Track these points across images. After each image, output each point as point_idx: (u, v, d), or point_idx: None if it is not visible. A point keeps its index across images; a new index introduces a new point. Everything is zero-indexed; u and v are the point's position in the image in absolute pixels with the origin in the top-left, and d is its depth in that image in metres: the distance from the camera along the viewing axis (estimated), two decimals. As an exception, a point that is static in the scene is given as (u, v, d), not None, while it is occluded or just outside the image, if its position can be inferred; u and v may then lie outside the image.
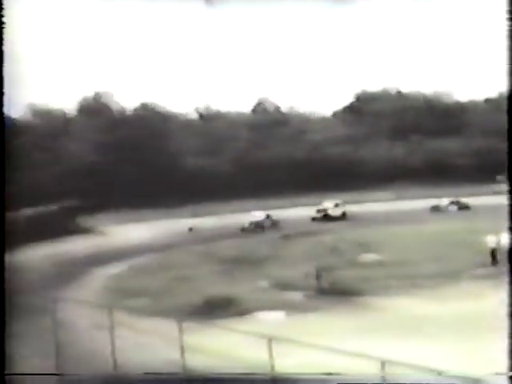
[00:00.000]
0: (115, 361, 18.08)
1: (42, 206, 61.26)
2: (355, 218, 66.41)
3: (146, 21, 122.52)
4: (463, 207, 68.21)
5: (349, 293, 33.57)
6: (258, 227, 63.13)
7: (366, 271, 39.12)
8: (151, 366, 21.16)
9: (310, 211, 68.86)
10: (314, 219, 67.99)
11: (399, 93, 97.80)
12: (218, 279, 39.09)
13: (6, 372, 17.57)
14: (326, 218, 67.96)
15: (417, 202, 69.88)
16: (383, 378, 12.95)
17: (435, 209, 68.84)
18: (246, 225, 63.53)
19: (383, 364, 12.89)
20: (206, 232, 60.60)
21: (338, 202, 70.15)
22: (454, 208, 68.61)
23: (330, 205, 69.98)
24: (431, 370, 12.36)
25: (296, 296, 34.09)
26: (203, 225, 64.15)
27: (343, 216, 68.82)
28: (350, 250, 46.74)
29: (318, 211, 69.34)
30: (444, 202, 69.91)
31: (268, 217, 65.32)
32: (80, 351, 23.52)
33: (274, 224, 64.34)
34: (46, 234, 55.11)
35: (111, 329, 18.42)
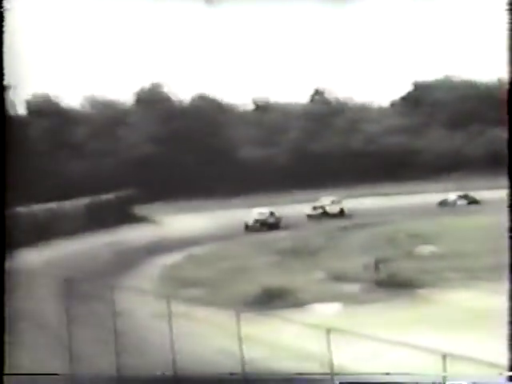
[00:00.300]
0: (173, 350, 18.11)
1: (100, 195, 62.09)
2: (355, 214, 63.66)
3: (203, 10, 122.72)
4: (472, 202, 65.93)
5: (407, 285, 33.18)
6: (263, 225, 60.26)
7: (423, 263, 38.61)
8: (208, 356, 21.23)
9: (364, 202, 67.90)
10: (310, 216, 64.64)
11: (459, 81, 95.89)
12: (275, 270, 39.00)
13: (5, 372, 17.82)
14: (324, 215, 64.65)
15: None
16: (444, 371, 12.72)
17: (443, 204, 66.56)
18: (251, 222, 60.67)
19: (444, 357, 12.64)
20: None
21: (335, 198, 67.01)
22: (464, 202, 66.50)
23: (327, 201, 66.58)
24: (491, 365, 12.09)
25: (353, 288, 33.82)
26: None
27: (341, 213, 65.57)
28: (407, 241, 46.19)
29: (315, 208, 65.91)
30: (452, 196, 67.66)
31: (272, 214, 62.15)
32: (138, 339, 23.73)
33: (277, 222, 61.41)
34: (104, 222, 55.86)
35: (169, 318, 18.46)
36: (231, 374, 17.02)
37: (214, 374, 17.56)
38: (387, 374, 15.75)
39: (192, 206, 69.95)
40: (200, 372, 18.31)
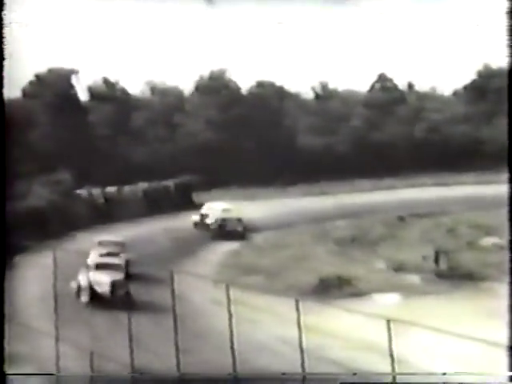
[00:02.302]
0: (231, 337, 18.04)
1: (158, 181, 62.42)
2: None
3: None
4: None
5: (469, 277, 32.58)
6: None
7: (486, 255, 37.83)
8: (266, 344, 21.14)
9: (426, 192, 66.68)
10: None
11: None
12: (333, 259, 38.60)
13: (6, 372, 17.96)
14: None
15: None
16: (509, 363, 12.42)
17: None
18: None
19: (509, 350, 12.31)
20: (320, 212, 60.11)
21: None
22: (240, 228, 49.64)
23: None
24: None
25: (413, 278, 33.37)
26: (317, 204, 63.63)
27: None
28: (468, 232, 45.30)
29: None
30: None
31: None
32: (197, 325, 23.75)
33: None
34: (162, 208, 56.05)
35: (228, 305, 18.38)
36: (283, 373, 17.03)
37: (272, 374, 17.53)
38: (444, 374, 15.59)
39: (250, 193, 69.79)
40: (259, 370, 18.29)
